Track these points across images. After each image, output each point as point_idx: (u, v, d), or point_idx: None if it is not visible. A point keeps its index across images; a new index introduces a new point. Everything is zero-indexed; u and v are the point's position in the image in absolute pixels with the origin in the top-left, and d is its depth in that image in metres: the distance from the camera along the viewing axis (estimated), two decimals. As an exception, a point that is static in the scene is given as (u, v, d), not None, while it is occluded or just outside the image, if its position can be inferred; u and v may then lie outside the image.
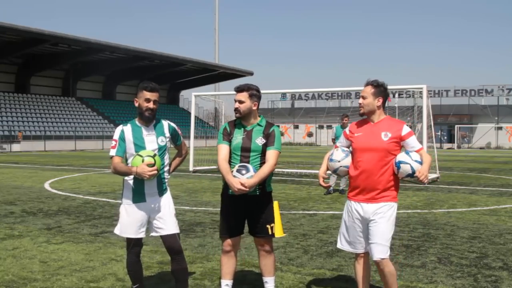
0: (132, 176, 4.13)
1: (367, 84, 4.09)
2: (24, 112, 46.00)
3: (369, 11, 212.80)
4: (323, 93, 65.11)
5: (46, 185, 13.92)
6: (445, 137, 60.26)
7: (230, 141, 4.27)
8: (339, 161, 4.15)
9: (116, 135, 4.20)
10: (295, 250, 6.40)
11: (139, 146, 4.15)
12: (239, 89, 4.28)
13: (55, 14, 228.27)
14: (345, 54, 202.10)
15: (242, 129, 4.29)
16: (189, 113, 20.69)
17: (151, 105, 4.14)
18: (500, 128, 58.33)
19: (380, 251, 3.93)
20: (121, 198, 4.30)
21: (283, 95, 66.21)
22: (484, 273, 5.39)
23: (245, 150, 4.21)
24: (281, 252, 6.23)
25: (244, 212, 4.29)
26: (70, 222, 8.26)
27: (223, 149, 4.25)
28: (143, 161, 3.99)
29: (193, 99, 20.49)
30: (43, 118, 46.54)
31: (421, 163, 3.92)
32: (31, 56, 47.93)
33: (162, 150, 4.21)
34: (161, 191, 4.24)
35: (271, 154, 4.20)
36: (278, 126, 4.50)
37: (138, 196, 4.18)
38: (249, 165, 4.16)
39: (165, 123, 4.33)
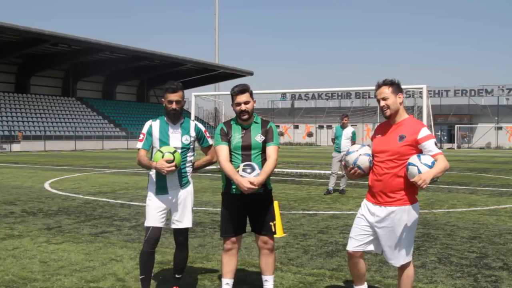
0: (154, 171, 4.35)
1: (380, 86, 3.92)
2: (24, 112, 46.01)
3: (369, 11, 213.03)
4: (323, 93, 65.11)
5: (46, 185, 13.92)
6: (445, 137, 60.29)
7: (228, 141, 4.27)
8: (357, 150, 4.02)
9: (144, 129, 4.47)
10: (295, 250, 6.40)
11: (163, 142, 4.38)
12: (242, 91, 4.28)
13: (55, 14, 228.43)
14: (345, 54, 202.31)
15: (240, 128, 4.31)
16: (189, 113, 20.66)
17: (173, 105, 4.35)
18: (500, 128, 58.35)
19: (402, 256, 3.90)
20: (147, 192, 4.50)
21: (283, 95, 66.27)
22: (484, 273, 5.39)
23: (246, 148, 4.24)
24: (281, 252, 6.23)
25: (247, 211, 4.32)
26: (70, 222, 8.26)
27: (224, 150, 4.26)
28: (163, 156, 4.20)
29: (193, 99, 20.50)
30: (43, 118, 46.56)
31: (430, 167, 3.68)
32: (31, 56, 47.93)
33: (185, 148, 4.41)
34: (183, 185, 4.46)
35: (272, 150, 4.27)
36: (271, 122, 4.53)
37: (161, 189, 4.40)
38: (253, 163, 4.20)
39: (192, 124, 4.54)
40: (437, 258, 6.00)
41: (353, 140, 12.42)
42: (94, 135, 48.05)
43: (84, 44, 45.05)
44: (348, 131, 12.37)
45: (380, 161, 3.92)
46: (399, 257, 3.92)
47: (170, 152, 4.22)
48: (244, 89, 4.27)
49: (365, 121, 56.66)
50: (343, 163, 4.27)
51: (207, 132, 4.61)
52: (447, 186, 14.31)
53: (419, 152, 3.80)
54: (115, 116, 53.92)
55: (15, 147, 39.82)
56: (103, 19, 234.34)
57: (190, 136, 4.44)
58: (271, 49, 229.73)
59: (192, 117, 20.47)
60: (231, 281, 4.38)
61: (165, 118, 4.46)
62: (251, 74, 65.64)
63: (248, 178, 4.07)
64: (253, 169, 4.13)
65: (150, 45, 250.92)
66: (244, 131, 4.29)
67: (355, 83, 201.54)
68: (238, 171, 4.14)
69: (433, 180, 3.81)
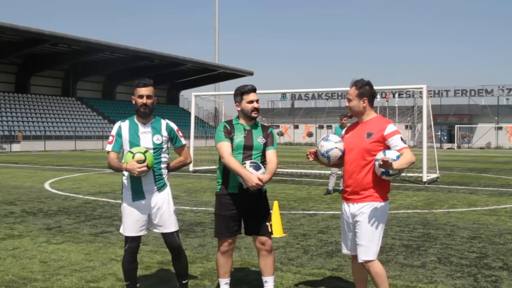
0: (128, 174, 4.17)
1: (351, 85, 4.03)
2: (24, 112, 46.01)
3: (369, 11, 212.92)
4: (323, 93, 65.14)
5: (46, 185, 13.92)
6: (445, 137, 60.28)
7: (231, 139, 4.28)
8: (335, 142, 4.09)
9: (113, 131, 4.27)
10: (295, 250, 6.40)
11: (133, 143, 4.18)
12: (254, 90, 4.35)
13: (55, 14, 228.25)
14: (345, 54, 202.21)
15: (242, 128, 4.33)
16: (189, 113, 20.69)
17: (144, 100, 4.17)
18: (500, 128, 58.35)
19: (363, 252, 3.88)
20: (121, 198, 4.32)
21: (283, 95, 66.27)
22: (484, 273, 5.39)
23: (248, 148, 4.26)
24: (281, 252, 6.23)
25: (243, 211, 4.31)
26: (70, 222, 8.26)
27: (227, 146, 4.24)
28: (133, 157, 4.02)
29: (193, 99, 20.49)
30: (43, 118, 46.55)
31: (395, 160, 3.71)
32: (31, 56, 47.93)
33: (158, 148, 4.22)
34: (160, 188, 4.26)
35: (273, 153, 4.33)
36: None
37: (137, 194, 4.20)
38: (258, 162, 4.23)
39: (164, 122, 4.34)
40: (437, 258, 6.00)
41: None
42: (94, 135, 48.03)
43: (84, 44, 45.05)
44: (348, 131, 12.35)
45: (350, 159, 4.00)
46: (364, 253, 3.88)
47: (141, 152, 4.03)
48: (255, 88, 4.36)
49: (365, 121, 56.78)
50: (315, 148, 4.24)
51: (179, 131, 4.43)
52: (447, 186, 14.31)
53: (386, 147, 3.88)
54: (115, 116, 53.90)
55: (15, 147, 39.82)
56: (103, 19, 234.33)
57: (162, 136, 4.25)
58: (271, 49, 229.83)
59: (192, 117, 20.46)
60: (228, 280, 4.43)
61: (135, 118, 4.28)
62: (251, 74, 65.63)
63: (256, 174, 4.08)
64: (259, 167, 4.17)
65: (150, 45, 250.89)
66: (246, 131, 4.31)
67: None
68: (244, 167, 4.14)
69: (396, 174, 3.80)
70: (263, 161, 4.30)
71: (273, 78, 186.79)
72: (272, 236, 4.42)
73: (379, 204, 3.91)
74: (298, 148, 50.57)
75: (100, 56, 50.14)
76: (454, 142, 57.81)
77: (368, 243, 3.87)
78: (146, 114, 4.23)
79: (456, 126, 58.71)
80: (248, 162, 4.19)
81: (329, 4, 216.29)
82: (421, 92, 16.38)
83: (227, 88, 65.11)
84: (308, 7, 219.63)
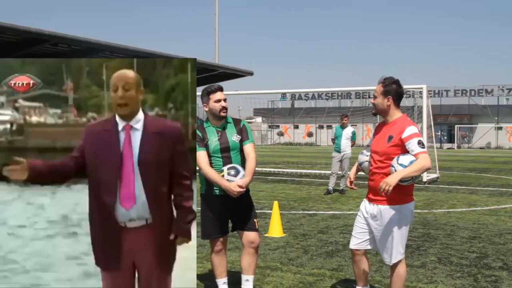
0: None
1: (379, 82, 3.99)
2: (24, 112, 46.03)
3: (369, 11, 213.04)
4: (323, 93, 65.03)
5: (46, 185, 13.89)
6: (445, 137, 60.27)
7: (206, 146, 4.24)
8: (367, 156, 4.20)
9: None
10: (295, 250, 6.40)
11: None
12: (221, 88, 4.30)
13: (55, 14, 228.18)
14: (345, 54, 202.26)
15: (215, 130, 4.29)
16: (189, 113, 20.67)
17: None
18: (500, 128, 58.34)
19: (392, 255, 3.93)
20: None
21: (283, 95, 66.21)
22: (484, 273, 5.39)
23: (225, 150, 4.24)
24: (281, 252, 6.23)
25: (229, 211, 4.31)
26: (70, 222, 8.24)
27: (203, 156, 4.22)
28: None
29: (193, 99, 20.49)
30: (43, 118, 46.57)
31: (406, 167, 3.68)
32: (31, 56, 47.91)
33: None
34: None
35: (250, 148, 4.30)
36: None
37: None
38: (236, 165, 4.20)
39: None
40: (437, 258, 6.01)
41: (353, 140, 12.44)
42: (94, 135, 48.00)
43: (84, 44, 44.71)
44: (348, 131, 12.38)
45: (374, 161, 4.00)
46: (389, 255, 3.95)
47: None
48: (222, 87, 4.32)
49: (365, 121, 56.67)
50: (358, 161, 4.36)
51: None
52: (447, 186, 14.32)
53: (406, 151, 3.80)
54: (115, 116, 53.93)
55: (15, 147, 39.80)
56: (103, 19, 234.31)
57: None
58: (271, 49, 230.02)
59: (192, 117, 20.47)
60: (226, 279, 4.44)
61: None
62: (251, 74, 65.30)
63: (236, 182, 4.07)
64: (237, 171, 4.14)
65: (150, 45, 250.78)
66: (219, 133, 4.27)
67: (355, 83, 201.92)
68: (223, 176, 4.13)
69: (408, 180, 3.74)
70: (243, 157, 4.28)
71: (273, 78, 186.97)
72: (267, 235, 4.42)
73: (399, 206, 3.88)
74: (298, 148, 50.58)
75: (100, 56, 50.14)
76: (454, 142, 57.80)
77: (396, 245, 3.90)
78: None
79: (456, 126, 58.69)
80: (226, 169, 4.15)
81: (329, 4, 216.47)
82: (421, 92, 16.38)
83: (227, 88, 64.84)
84: (308, 7, 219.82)
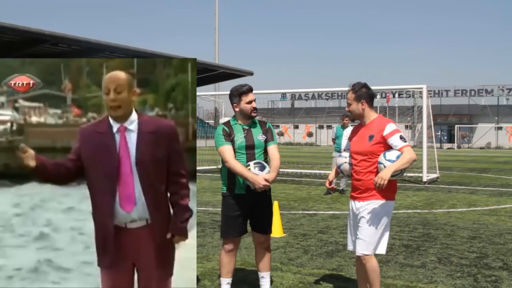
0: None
1: (348, 90, 4.16)
2: (24, 112, 45.96)
3: (368, 11, 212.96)
4: (323, 93, 65.08)
5: (46, 185, 13.87)
6: (445, 137, 60.26)
7: (232, 141, 4.30)
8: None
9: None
10: (295, 250, 6.40)
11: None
12: (251, 89, 4.39)
13: (55, 14, 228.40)
14: (345, 54, 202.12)
15: (241, 127, 4.36)
16: (189, 113, 20.64)
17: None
18: (500, 128, 58.35)
19: (361, 246, 3.99)
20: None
21: (283, 95, 66.21)
22: (484, 273, 5.39)
23: (250, 147, 4.31)
24: (281, 252, 6.23)
25: (249, 211, 4.36)
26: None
27: (230, 149, 4.28)
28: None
29: (193, 99, 20.50)
30: (43, 118, 46.50)
31: (394, 161, 3.84)
32: (31, 56, 47.89)
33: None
34: None
35: (275, 149, 4.42)
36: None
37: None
38: (261, 161, 4.28)
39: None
40: (437, 258, 6.00)
41: (353, 140, 12.42)
42: (94, 135, 47.97)
43: (84, 44, 44.95)
44: (349, 131, 12.34)
45: (357, 162, 4.12)
46: (362, 246, 3.98)
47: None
48: (252, 88, 4.40)
49: (365, 121, 56.80)
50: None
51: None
52: (447, 186, 14.32)
53: (388, 148, 3.96)
54: (115, 116, 53.91)
55: (15, 147, 39.76)
56: (103, 19, 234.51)
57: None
58: (271, 49, 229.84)
59: (192, 117, 20.47)
60: (231, 280, 4.45)
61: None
62: (251, 74, 65.52)
63: (262, 175, 4.13)
64: (263, 167, 4.21)
65: (150, 45, 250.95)
66: (245, 131, 4.35)
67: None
68: (249, 169, 4.18)
69: (398, 174, 3.90)
70: (266, 157, 4.38)
71: (273, 78, 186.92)
72: (271, 235, 4.51)
73: (382, 202, 4.00)
74: (298, 148, 50.59)
75: (100, 56, 50.10)
76: (454, 142, 57.80)
77: (367, 238, 3.97)
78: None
79: (456, 126, 58.70)
80: (252, 164, 4.21)
81: (329, 4, 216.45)
82: (421, 92, 16.38)
83: (227, 88, 64.82)
84: (308, 7, 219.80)
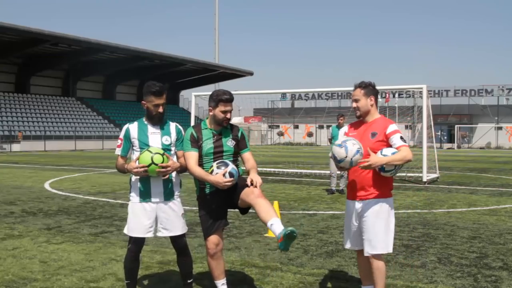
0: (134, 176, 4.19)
1: (355, 88, 4.20)
2: (24, 112, 45.98)
3: (369, 11, 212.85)
4: (323, 93, 65.10)
5: (46, 185, 13.92)
6: (445, 137, 60.27)
7: (199, 147, 4.25)
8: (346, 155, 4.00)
9: (122, 134, 4.31)
10: (295, 250, 6.40)
11: (143, 142, 4.21)
12: (232, 100, 4.27)
13: (55, 14, 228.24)
14: (345, 54, 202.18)
15: (211, 132, 4.30)
16: (189, 113, 20.70)
17: (161, 109, 4.21)
18: (500, 128, 58.34)
19: (369, 246, 4.03)
20: (128, 197, 4.34)
21: (283, 95, 66.20)
22: (484, 273, 5.39)
23: (218, 153, 4.27)
24: (281, 252, 6.23)
25: (225, 202, 4.28)
26: (70, 222, 8.26)
27: (193, 156, 4.23)
28: (152, 158, 4.01)
29: (193, 99, 20.48)
30: (43, 118, 46.53)
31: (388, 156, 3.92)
32: (31, 56, 47.90)
33: (166, 150, 4.20)
34: (168, 191, 4.26)
35: (250, 155, 4.38)
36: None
37: (145, 195, 4.20)
38: (225, 160, 4.20)
39: (173, 124, 4.38)
40: (437, 258, 6.01)
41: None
42: (94, 135, 48.02)
43: (84, 44, 45.01)
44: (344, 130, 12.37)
45: None
46: (371, 247, 4.03)
47: (160, 154, 4.05)
48: (233, 98, 4.29)
49: (365, 121, 56.77)
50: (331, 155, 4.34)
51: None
52: (447, 186, 14.32)
53: (389, 146, 4.03)
54: (115, 116, 53.89)
55: (15, 147, 39.80)
56: (103, 19, 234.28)
57: (170, 137, 4.28)
58: (271, 49, 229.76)
59: (192, 117, 20.44)
60: (225, 281, 4.41)
61: (144, 119, 4.30)
62: (251, 74, 65.62)
63: (220, 172, 4.02)
64: (226, 165, 4.11)
65: (150, 45, 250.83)
66: (215, 136, 4.29)
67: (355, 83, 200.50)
68: (212, 171, 4.11)
69: (392, 170, 3.95)
70: (235, 161, 4.30)
71: (273, 78, 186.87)
72: (267, 235, 4.40)
73: (383, 200, 4.06)
74: (298, 148, 50.58)
75: (100, 56, 50.09)
76: (454, 142, 57.80)
77: (374, 237, 4.01)
78: (160, 119, 4.27)
79: (456, 126, 58.70)
80: (215, 164, 4.14)
81: (330, 4, 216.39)
82: (421, 92, 16.37)
83: (227, 88, 64.68)
84: (308, 7, 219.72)
